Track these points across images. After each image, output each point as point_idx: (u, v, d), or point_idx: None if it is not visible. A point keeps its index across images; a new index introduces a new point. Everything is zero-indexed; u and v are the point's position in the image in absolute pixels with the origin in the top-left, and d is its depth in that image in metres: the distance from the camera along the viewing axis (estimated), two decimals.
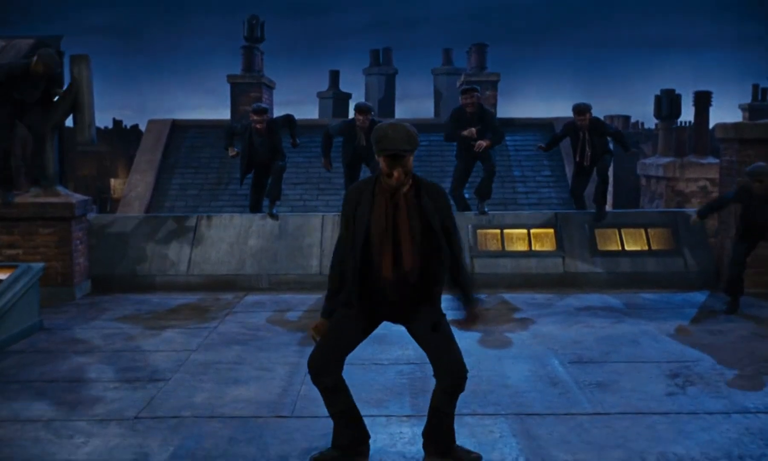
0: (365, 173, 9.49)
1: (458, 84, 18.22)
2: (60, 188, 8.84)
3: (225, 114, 15.51)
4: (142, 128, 23.64)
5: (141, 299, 8.51)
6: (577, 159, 9.69)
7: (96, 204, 11.10)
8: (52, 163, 8.68)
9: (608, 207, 11.51)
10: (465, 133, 9.47)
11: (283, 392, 5.25)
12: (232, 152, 9.67)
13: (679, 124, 18.13)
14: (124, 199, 13.88)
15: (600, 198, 9.66)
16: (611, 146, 9.76)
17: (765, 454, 4.17)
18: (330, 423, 4.60)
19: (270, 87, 15.85)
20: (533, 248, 9.42)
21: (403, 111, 62.77)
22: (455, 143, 9.95)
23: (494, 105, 15.38)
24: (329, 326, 4.00)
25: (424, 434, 4.12)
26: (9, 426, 4.67)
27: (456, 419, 4.29)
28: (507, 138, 14.66)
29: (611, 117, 42.30)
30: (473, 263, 9.23)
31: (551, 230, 9.55)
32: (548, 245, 9.45)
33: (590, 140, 9.54)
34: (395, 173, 3.78)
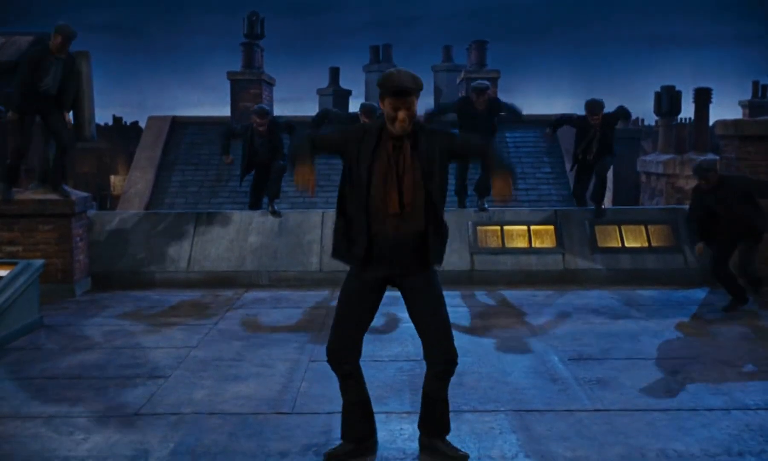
0: None
1: (458, 81, 18.22)
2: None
3: (225, 111, 15.56)
4: (142, 124, 23.62)
5: (141, 296, 8.51)
6: (580, 156, 9.65)
7: (96, 201, 11.10)
8: (66, 171, 8.71)
9: (608, 204, 11.51)
10: None
11: (283, 388, 5.26)
12: (228, 159, 9.68)
13: (679, 121, 18.14)
14: (124, 196, 13.89)
15: (599, 198, 9.65)
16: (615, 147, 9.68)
17: (765, 450, 4.17)
18: (329, 419, 4.61)
19: (270, 84, 15.85)
20: (533, 245, 9.42)
21: None
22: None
23: None
24: (342, 311, 3.96)
25: (419, 425, 4.13)
26: (9, 422, 4.68)
27: (456, 415, 4.30)
28: (507, 135, 14.68)
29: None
30: (473, 259, 9.24)
31: (551, 227, 9.55)
32: (548, 242, 9.45)
33: (600, 137, 9.47)
34: (399, 115, 3.76)
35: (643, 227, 9.51)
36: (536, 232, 9.54)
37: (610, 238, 9.45)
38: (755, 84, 22.33)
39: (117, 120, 50.63)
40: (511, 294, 8.42)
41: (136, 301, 8.24)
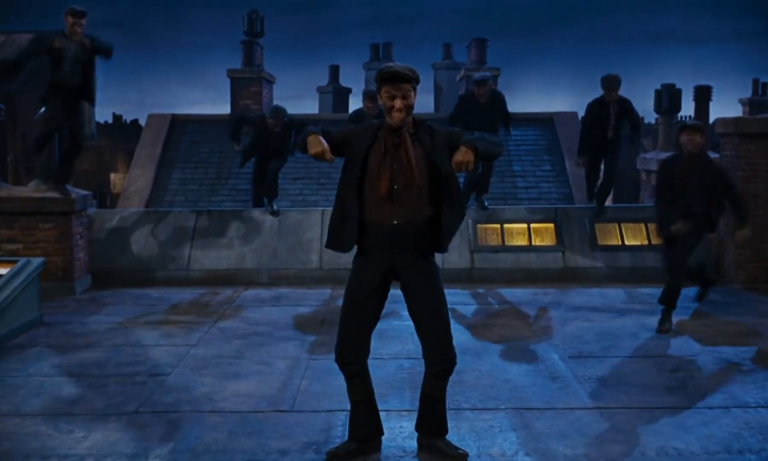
0: None
1: (458, 78, 18.20)
2: None
3: (225, 109, 15.54)
4: (142, 122, 23.65)
5: (141, 294, 8.51)
6: (601, 134, 9.01)
7: (96, 199, 11.08)
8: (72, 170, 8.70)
9: (608, 202, 11.49)
10: None
11: (283, 386, 5.25)
12: (237, 147, 9.79)
13: (679, 118, 18.14)
14: (124, 194, 13.88)
15: (604, 196, 9.57)
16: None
17: (764, 448, 4.17)
18: (329, 417, 4.61)
19: (270, 82, 15.84)
20: (533, 243, 9.42)
21: None
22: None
23: None
24: (347, 311, 3.96)
25: (417, 426, 4.13)
26: (9, 420, 4.68)
27: (456, 413, 4.30)
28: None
29: None
30: (473, 258, 9.23)
31: (551, 225, 9.54)
32: (548, 240, 9.45)
33: (617, 117, 9.01)
34: (396, 104, 3.77)
35: (642, 225, 9.50)
36: (536, 230, 9.54)
37: (610, 236, 9.44)
38: (755, 82, 22.34)
39: (117, 118, 50.63)
40: (511, 292, 8.41)
41: (136, 299, 8.24)
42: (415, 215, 3.85)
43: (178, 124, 15.00)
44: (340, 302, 4.22)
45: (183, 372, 5.62)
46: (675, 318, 7.08)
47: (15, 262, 7.10)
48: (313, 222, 9.62)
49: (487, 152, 3.88)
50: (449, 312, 3.99)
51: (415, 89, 3.84)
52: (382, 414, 4.20)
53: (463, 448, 4.07)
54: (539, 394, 5.07)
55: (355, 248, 3.98)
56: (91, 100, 8.43)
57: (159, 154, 14.25)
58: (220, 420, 4.65)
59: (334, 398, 4.92)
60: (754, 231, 8.50)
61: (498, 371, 5.56)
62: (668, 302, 6.73)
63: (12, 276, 6.81)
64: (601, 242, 9.37)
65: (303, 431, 4.45)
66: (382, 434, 4.16)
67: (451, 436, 4.16)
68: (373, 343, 3.93)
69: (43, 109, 8.30)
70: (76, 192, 8.94)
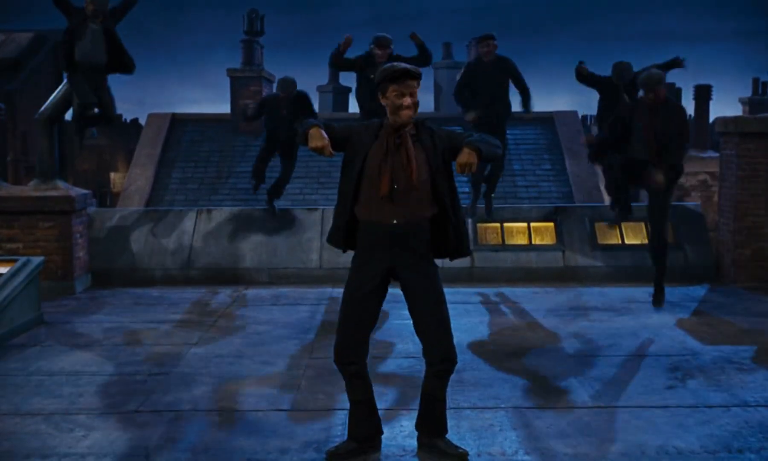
0: None
1: (458, 78, 18.18)
2: (60, 182, 8.84)
3: (225, 108, 15.51)
4: (142, 121, 23.60)
5: (141, 293, 8.51)
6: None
7: (96, 198, 11.06)
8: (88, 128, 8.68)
9: (607, 201, 11.47)
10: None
11: (283, 386, 5.25)
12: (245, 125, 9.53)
13: None
14: (123, 193, 13.88)
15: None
16: None
17: (764, 447, 4.17)
18: (329, 416, 4.61)
19: (270, 81, 15.82)
20: (533, 242, 9.42)
21: None
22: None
23: None
24: (346, 311, 3.98)
25: (417, 425, 4.13)
26: (9, 419, 4.68)
27: (456, 412, 4.29)
28: (507, 132, 14.62)
29: None
30: (473, 257, 9.23)
31: (551, 224, 9.54)
32: (548, 239, 9.45)
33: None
34: (405, 101, 3.81)
35: (643, 225, 9.49)
36: (536, 229, 9.53)
37: (610, 235, 9.44)
38: (755, 81, 22.32)
39: (117, 117, 50.65)
40: (511, 291, 8.41)
41: (136, 298, 8.24)
42: (415, 215, 3.87)
43: (178, 123, 15.00)
44: (339, 301, 4.22)
45: (183, 371, 5.62)
46: (675, 317, 7.10)
47: (15, 261, 7.10)
48: (313, 221, 9.62)
49: (489, 153, 3.89)
50: (448, 311, 4.00)
51: (419, 85, 3.88)
52: (381, 414, 4.20)
53: (463, 447, 4.07)
54: (539, 393, 5.07)
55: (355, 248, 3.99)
56: (129, 70, 8.51)
57: (159, 153, 14.24)
58: (219, 419, 4.65)
59: (334, 397, 4.92)
60: (755, 231, 8.52)
61: (497, 370, 5.56)
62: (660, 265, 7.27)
63: (12, 275, 6.82)
64: (601, 241, 9.37)
65: (303, 430, 4.45)
66: (382, 433, 4.16)
67: (451, 435, 4.16)
68: (373, 341, 3.95)
69: (64, 88, 8.31)
70: (76, 191, 8.93)
